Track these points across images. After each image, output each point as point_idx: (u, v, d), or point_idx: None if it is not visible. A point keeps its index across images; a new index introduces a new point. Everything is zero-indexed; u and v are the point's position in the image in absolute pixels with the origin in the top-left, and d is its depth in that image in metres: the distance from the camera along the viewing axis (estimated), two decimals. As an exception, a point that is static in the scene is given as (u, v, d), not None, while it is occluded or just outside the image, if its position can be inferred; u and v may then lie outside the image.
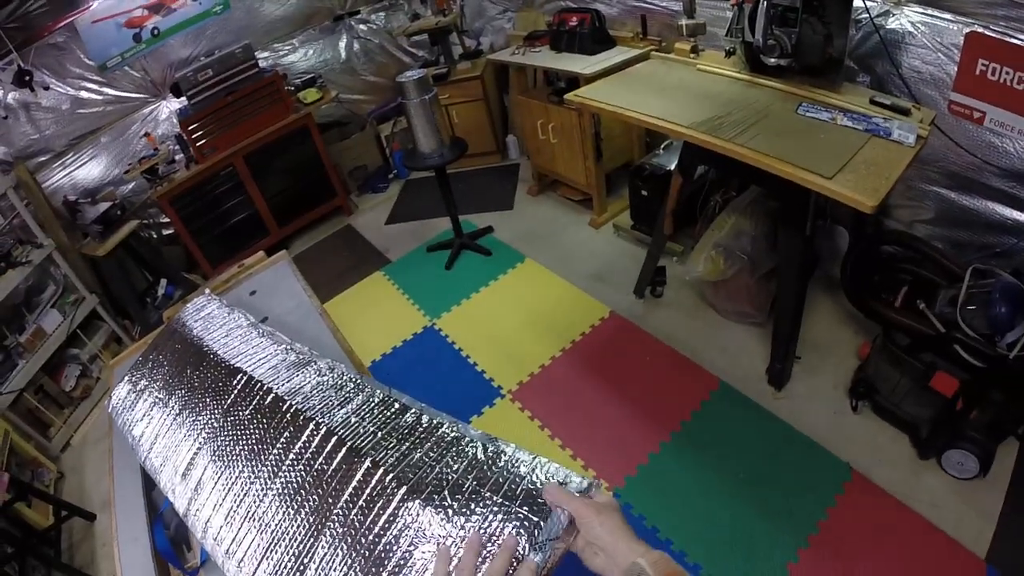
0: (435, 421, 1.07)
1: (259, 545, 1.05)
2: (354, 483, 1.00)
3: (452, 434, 1.03)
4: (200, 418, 1.30)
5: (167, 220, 4.83)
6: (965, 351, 2.22)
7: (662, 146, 3.68)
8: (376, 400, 1.16)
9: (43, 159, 4.50)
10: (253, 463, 1.14)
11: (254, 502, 1.10)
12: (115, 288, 4.58)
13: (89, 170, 4.68)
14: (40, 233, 4.11)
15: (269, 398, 1.23)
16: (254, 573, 1.04)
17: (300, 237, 5.03)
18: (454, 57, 4.89)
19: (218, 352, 1.44)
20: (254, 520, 1.08)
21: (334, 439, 1.08)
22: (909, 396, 2.46)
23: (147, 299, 4.61)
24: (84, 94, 4.45)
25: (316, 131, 4.63)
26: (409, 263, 4.13)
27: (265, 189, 4.68)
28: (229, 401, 1.29)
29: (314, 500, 1.03)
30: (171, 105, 4.70)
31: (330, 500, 1.01)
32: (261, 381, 1.28)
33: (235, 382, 1.31)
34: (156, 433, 1.38)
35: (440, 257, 4.00)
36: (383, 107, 5.29)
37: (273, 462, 1.12)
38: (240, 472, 1.15)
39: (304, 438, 1.11)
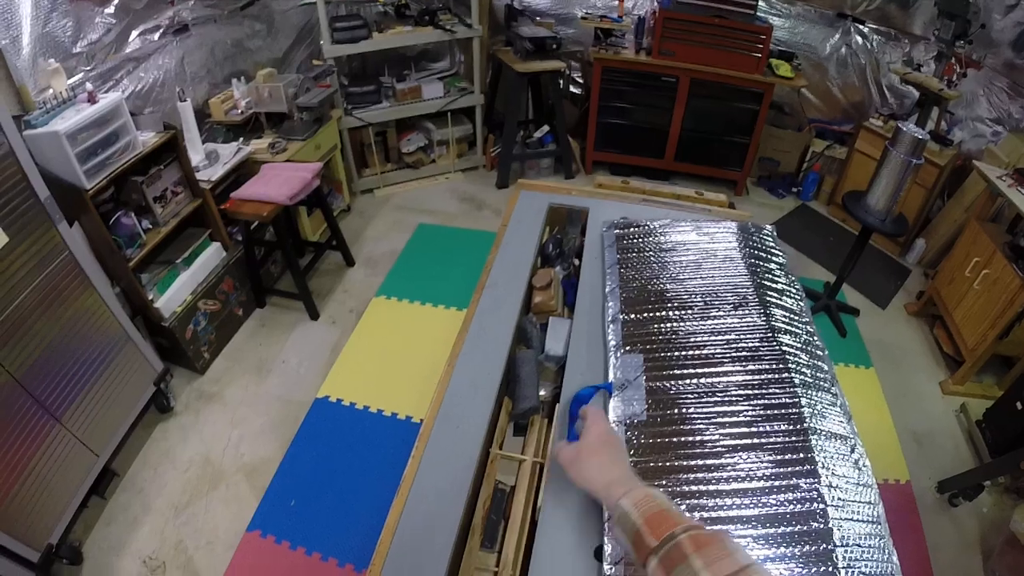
0: None
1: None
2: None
3: None
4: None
5: (581, 81, 4.93)
6: None
7: None
8: None
9: None
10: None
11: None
12: (502, 103, 4.83)
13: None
14: (476, 16, 4.36)
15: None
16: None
17: (682, 181, 5.04)
18: (925, 129, 4.48)
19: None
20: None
21: None
22: None
23: (521, 131, 4.79)
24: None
25: (767, 103, 4.48)
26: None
27: (687, 119, 4.71)
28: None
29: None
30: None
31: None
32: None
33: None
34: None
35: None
36: (828, 123, 5.01)
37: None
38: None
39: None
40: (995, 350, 3.52)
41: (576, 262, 1.98)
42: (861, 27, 4.85)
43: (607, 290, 1.63)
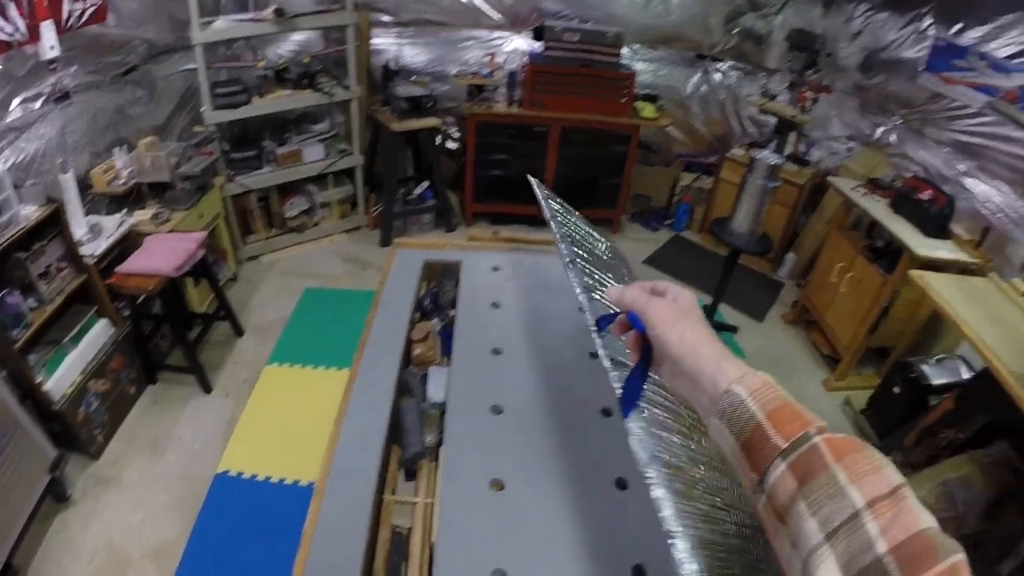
0: None
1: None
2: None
3: None
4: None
5: (458, 136, 5.11)
6: None
7: (936, 358, 3.56)
8: None
9: (383, 19, 5.01)
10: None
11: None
12: (381, 163, 4.94)
13: (416, 53, 5.07)
14: (354, 78, 4.47)
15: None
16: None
17: None
18: (783, 154, 4.92)
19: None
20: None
21: None
22: None
23: (401, 189, 4.86)
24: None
25: (635, 144, 4.81)
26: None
27: (560, 165, 4.96)
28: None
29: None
30: (519, 43, 5.04)
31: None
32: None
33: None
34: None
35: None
36: (694, 157, 5.43)
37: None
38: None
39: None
40: (868, 344, 3.86)
41: (451, 313, 2.13)
42: (719, 65, 5.32)
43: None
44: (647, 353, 0.78)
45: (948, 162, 4.25)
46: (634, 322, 0.79)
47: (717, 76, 5.36)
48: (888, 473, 0.54)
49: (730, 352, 0.71)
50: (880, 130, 4.79)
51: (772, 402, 0.63)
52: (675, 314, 0.76)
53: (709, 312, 4.02)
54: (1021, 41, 3.76)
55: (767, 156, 3.54)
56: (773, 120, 4.95)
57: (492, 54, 4.92)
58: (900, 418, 3.34)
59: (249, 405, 3.40)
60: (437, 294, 2.30)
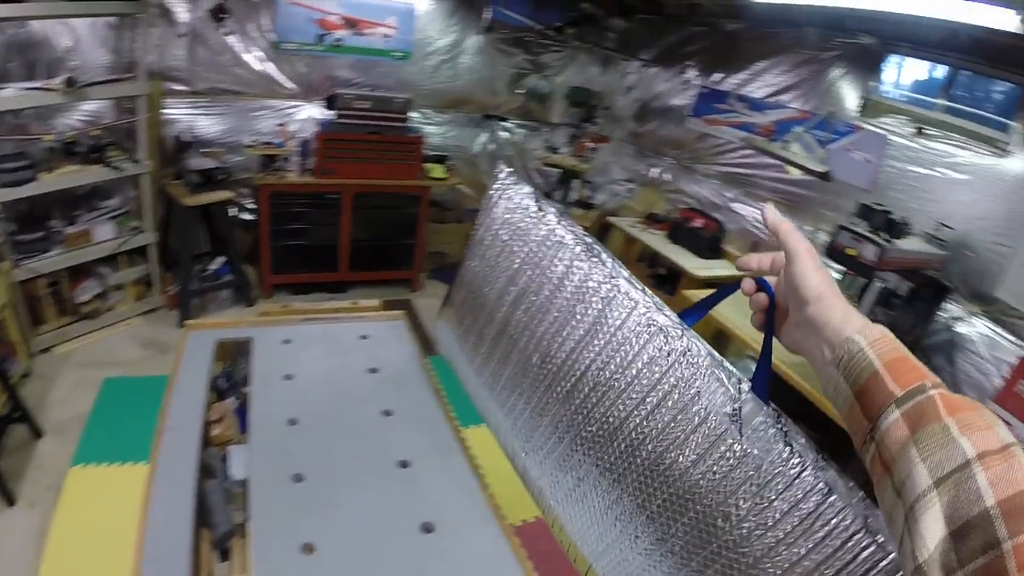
0: None
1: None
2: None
3: None
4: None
5: (253, 207, 5.11)
6: None
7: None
8: None
9: (177, 88, 4.92)
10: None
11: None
12: (175, 239, 4.83)
13: (210, 123, 5.04)
14: (145, 151, 4.43)
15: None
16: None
17: (361, 288, 5.38)
18: (569, 200, 5.30)
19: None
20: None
21: None
22: None
23: (197, 265, 4.79)
24: (247, 57, 4.97)
25: (426, 204, 5.03)
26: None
27: (355, 230, 5.09)
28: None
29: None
30: (312, 111, 5.13)
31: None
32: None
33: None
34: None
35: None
36: None
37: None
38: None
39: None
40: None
41: (245, 390, 2.16)
42: (506, 124, 5.66)
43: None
44: (771, 319, 0.83)
45: (717, 192, 4.81)
46: (765, 286, 0.83)
47: (504, 134, 5.71)
48: (1000, 431, 0.54)
49: (852, 305, 0.72)
50: (656, 171, 5.32)
51: (890, 352, 0.64)
52: (817, 260, 0.76)
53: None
54: (771, 83, 4.36)
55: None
56: (557, 171, 5.35)
57: (284, 123, 5.00)
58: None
59: (58, 514, 3.16)
60: (231, 372, 2.33)
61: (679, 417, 0.94)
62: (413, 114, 5.02)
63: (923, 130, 3.62)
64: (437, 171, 5.02)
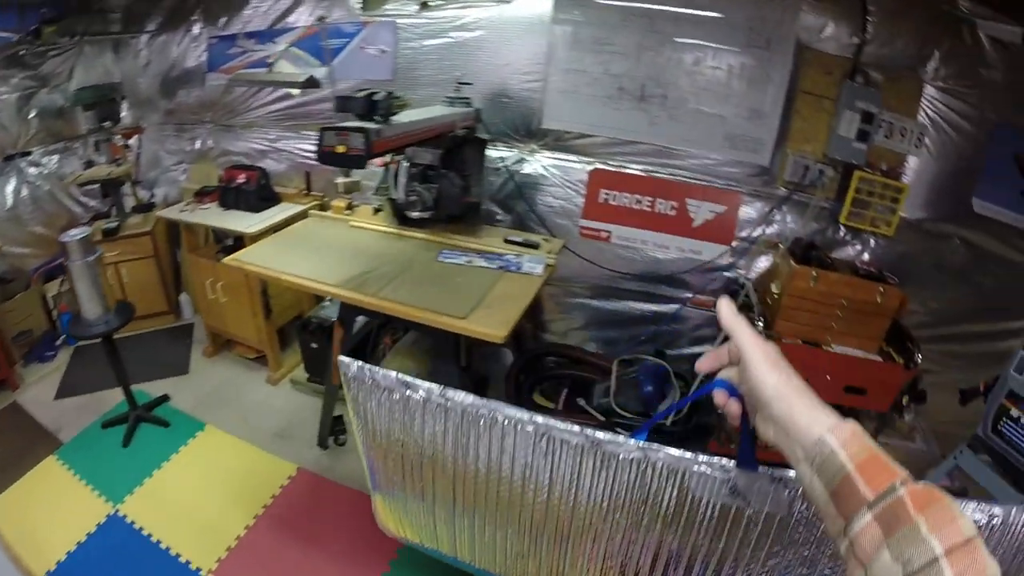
0: None
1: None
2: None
3: None
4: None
5: None
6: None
7: (328, 298, 3.89)
8: None
9: None
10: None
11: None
12: None
13: None
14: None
15: None
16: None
17: None
18: (125, 210, 4.74)
19: None
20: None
21: None
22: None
23: None
24: None
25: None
26: (85, 443, 3.72)
27: None
28: None
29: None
30: None
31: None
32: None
33: None
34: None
35: (118, 433, 3.70)
36: (50, 263, 4.76)
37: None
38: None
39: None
40: (276, 328, 4.08)
41: None
42: (32, 157, 4.72)
43: None
44: (744, 415, 0.87)
45: (261, 139, 4.56)
46: (729, 391, 0.87)
47: (33, 171, 4.77)
48: (963, 524, 0.60)
49: (819, 400, 0.76)
50: (198, 142, 4.92)
51: (861, 453, 0.68)
52: (774, 360, 0.80)
53: (132, 402, 3.75)
54: (275, 9, 4.24)
55: (72, 234, 3.25)
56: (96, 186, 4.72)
57: None
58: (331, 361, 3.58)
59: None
60: None
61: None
62: None
63: (427, 3, 3.68)
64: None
